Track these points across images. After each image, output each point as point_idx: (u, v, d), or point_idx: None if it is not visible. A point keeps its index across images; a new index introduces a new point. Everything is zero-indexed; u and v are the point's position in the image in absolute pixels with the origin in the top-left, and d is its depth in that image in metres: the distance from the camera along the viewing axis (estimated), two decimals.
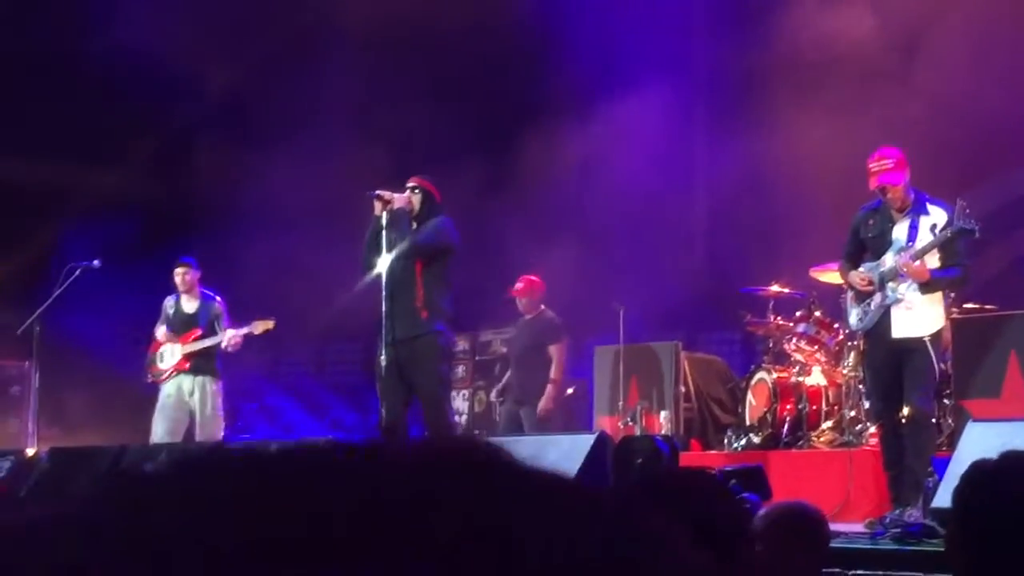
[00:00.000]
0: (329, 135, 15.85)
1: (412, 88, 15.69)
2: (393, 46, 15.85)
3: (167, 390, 12.51)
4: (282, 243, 16.46)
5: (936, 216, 8.67)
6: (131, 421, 14.89)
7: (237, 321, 12.53)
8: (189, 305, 12.66)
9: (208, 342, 12.42)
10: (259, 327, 12.35)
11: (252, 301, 13.19)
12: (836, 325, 11.24)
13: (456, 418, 11.94)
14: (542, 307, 13.28)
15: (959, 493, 2.96)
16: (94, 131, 16.33)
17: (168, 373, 12.49)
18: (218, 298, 12.68)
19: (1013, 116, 13.00)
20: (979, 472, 2.97)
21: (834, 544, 5.97)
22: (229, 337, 12.29)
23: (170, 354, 12.57)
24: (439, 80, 15.78)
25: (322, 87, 16.30)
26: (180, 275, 12.65)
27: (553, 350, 13.01)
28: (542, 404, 12.84)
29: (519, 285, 13.28)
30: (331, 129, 15.92)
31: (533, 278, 13.34)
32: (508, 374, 13.75)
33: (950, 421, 9.92)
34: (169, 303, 12.76)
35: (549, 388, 12.88)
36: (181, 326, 12.60)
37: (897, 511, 8.26)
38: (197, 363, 12.45)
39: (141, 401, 14.13)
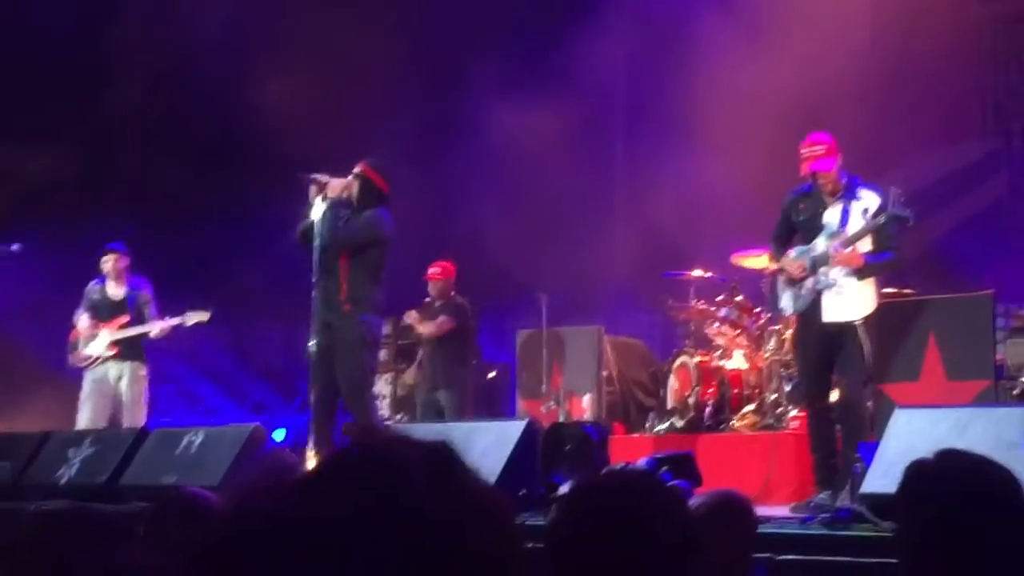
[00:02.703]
0: None
1: None
2: None
3: (93, 376, 12.39)
4: (199, 227, 16.37)
5: (868, 200, 8.68)
6: (46, 407, 14.75)
7: (169, 312, 12.45)
8: (116, 291, 12.53)
9: (137, 330, 12.31)
10: (192, 318, 12.24)
11: (168, 285, 13.09)
12: (757, 310, 11.37)
13: (377, 403, 11.92)
14: (452, 293, 13.32)
15: (906, 492, 3.10)
16: (16, 110, 16.16)
17: (94, 360, 12.38)
18: (145, 286, 12.57)
19: (928, 99, 13.20)
20: (921, 473, 3.09)
21: (763, 529, 6.05)
22: (159, 329, 12.21)
23: (95, 340, 12.44)
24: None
25: None
26: (111, 262, 12.51)
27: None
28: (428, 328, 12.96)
29: (435, 270, 13.29)
30: None
31: (447, 264, 13.37)
32: (418, 358, 13.83)
33: (869, 404, 10.04)
34: (94, 289, 12.59)
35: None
36: (107, 312, 12.46)
37: (823, 495, 8.38)
38: (124, 349, 12.35)
39: (56, 387, 14.01)
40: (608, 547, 2.51)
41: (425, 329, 13.06)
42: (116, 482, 9.88)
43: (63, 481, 10.25)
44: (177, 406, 16.19)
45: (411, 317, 13.18)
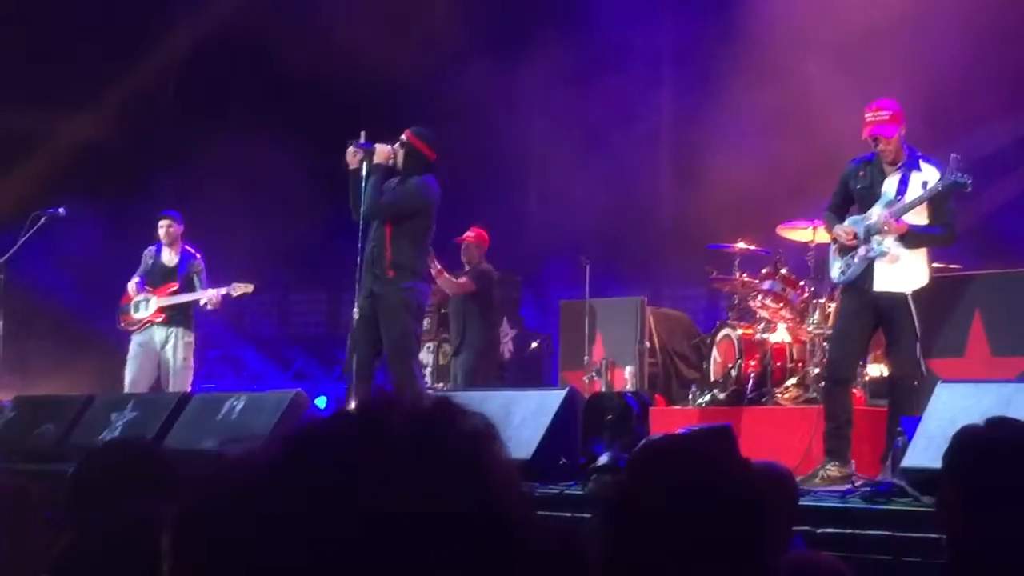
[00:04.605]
0: None
1: None
2: None
3: (138, 339, 12.51)
4: (244, 195, 16.41)
5: (928, 173, 8.53)
6: (93, 370, 14.85)
7: (213, 278, 12.55)
8: (169, 258, 12.68)
9: (186, 297, 12.44)
10: (238, 289, 12.39)
11: (216, 253, 13.15)
12: (802, 282, 11.28)
13: (422, 371, 11.91)
14: (482, 260, 13.35)
15: (953, 457, 3.03)
16: (63, 76, 16.21)
17: (142, 323, 12.49)
18: (198, 255, 12.69)
19: (984, 70, 13.04)
20: (971, 438, 3.03)
21: (803, 502, 6.02)
22: (210, 296, 12.31)
23: (144, 305, 12.55)
24: None
25: None
26: (164, 228, 12.70)
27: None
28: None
29: (469, 233, 13.33)
30: None
31: (481, 231, 13.39)
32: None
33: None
34: (148, 254, 12.78)
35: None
36: (159, 278, 12.60)
37: (830, 465, 8.31)
38: (172, 315, 12.45)
39: (104, 350, 14.10)
40: (679, 512, 2.39)
41: (446, 283, 13.00)
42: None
43: None
44: (221, 371, 16.27)
45: (434, 266, 12.92)
